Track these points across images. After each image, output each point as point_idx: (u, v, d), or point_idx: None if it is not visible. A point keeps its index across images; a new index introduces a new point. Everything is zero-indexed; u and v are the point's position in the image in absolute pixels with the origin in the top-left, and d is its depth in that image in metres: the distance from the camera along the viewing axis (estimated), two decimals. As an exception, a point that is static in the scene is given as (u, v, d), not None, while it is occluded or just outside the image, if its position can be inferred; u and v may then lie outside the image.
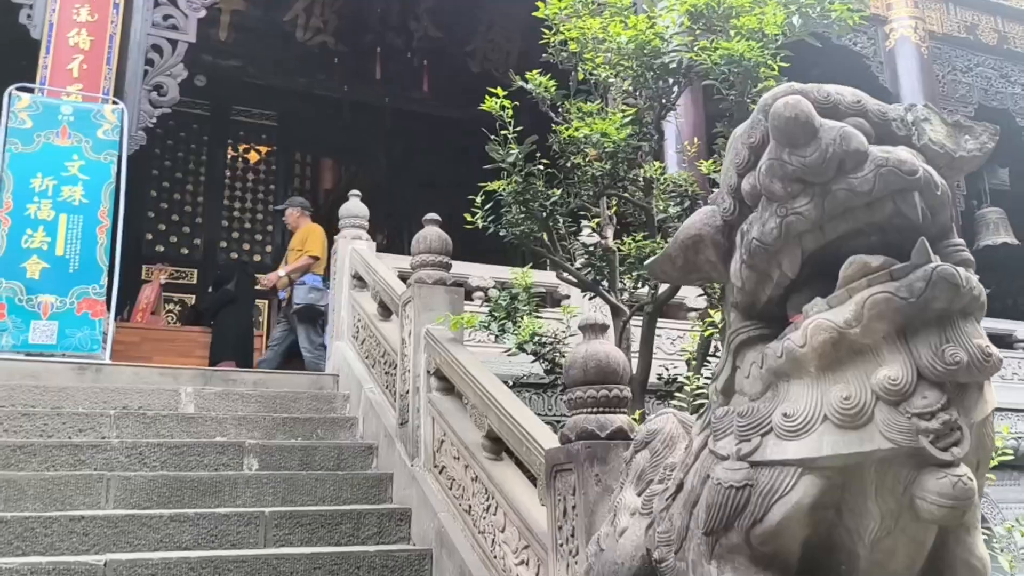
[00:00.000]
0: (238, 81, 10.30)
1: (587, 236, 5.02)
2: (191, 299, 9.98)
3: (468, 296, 6.00)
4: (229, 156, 10.71)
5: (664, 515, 1.82)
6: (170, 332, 8.70)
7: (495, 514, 3.53)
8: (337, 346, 6.37)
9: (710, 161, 4.58)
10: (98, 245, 6.06)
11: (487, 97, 4.39)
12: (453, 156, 11.93)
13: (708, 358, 4.40)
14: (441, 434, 4.22)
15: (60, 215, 6.00)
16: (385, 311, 5.70)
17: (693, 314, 6.71)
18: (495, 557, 3.47)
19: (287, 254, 7.77)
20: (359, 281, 6.40)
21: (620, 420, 2.71)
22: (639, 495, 2.02)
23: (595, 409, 2.71)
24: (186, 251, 10.20)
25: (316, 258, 7.41)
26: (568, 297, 6.17)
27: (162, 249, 9.90)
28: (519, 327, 4.39)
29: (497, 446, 3.72)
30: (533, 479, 3.36)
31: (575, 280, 4.74)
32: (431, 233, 4.86)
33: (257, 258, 10.49)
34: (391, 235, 11.47)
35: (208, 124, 10.55)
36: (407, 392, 4.62)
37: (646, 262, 3.62)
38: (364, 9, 10.52)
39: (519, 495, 3.38)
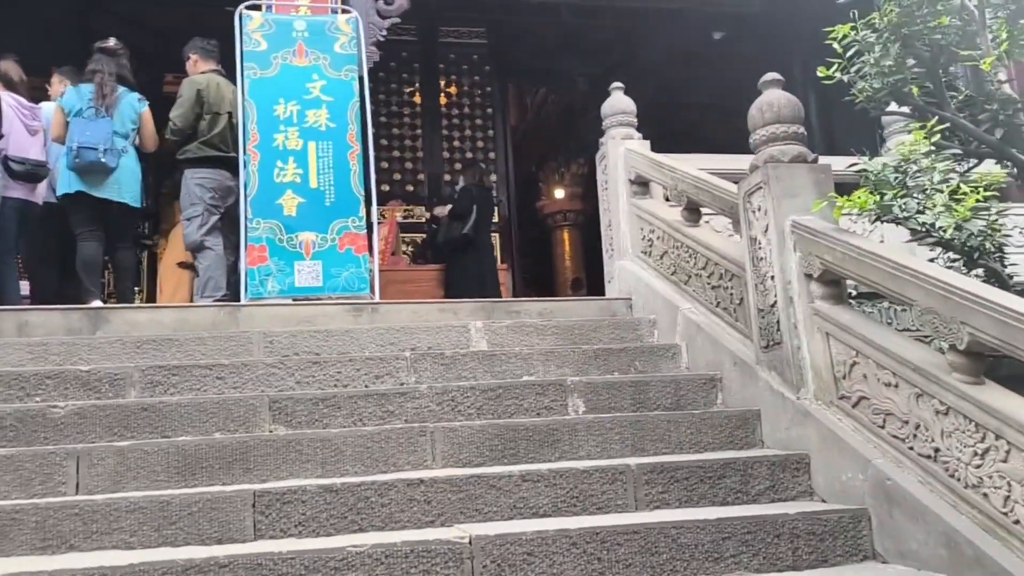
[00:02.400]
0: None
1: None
2: (419, 239, 9.42)
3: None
4: (442, 82, 9.97)
5: None
6: (410, 272, 8.15)
7: (1004, 460, 2.43)
8: (620, 266, 5.42)
9: None
10: (351, 173, 5.41)
11: None
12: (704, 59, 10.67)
13: None
14: (848, 355, 3.14)
15: (308, 143, 5.39)
16: (693, 215, 4.66)
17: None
18: (1015, 520, 2.39)
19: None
20: (640, 187, 5.39)
21: None
22: None
23: None
24: (411, 188, 9.62)
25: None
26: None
27: (387, 188, 9.35)
28: (934, 206, 3.20)
29: (976, 365, 2.61)
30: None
31: (981, 140, 3.50)
32: (777, 98, 3.73)
33: (483, 187, 9.77)
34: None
35: (417, 50, 9.84)
36: (771, 306, 3.57)
37: None
38: None
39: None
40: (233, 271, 5.67)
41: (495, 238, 9.25)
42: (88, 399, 3.69)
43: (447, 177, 9.69)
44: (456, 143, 9.86)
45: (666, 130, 7.69)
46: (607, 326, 4.76)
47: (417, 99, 9.87)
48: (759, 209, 3.67)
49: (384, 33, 6.28)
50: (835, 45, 3.69)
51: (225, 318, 4.69)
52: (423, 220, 9.38)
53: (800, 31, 10.17)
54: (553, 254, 17.29)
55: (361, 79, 5.67)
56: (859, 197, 3.26)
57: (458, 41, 10.07)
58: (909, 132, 3.74)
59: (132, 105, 5.58)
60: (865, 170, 3.46)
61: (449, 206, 8.60)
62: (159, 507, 2.80)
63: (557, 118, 16.72)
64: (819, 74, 3.73)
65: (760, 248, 3.67)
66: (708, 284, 4.33)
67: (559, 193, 17.98)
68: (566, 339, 4.62)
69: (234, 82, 5.60)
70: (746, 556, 2.78)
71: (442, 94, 9.93)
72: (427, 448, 3.37)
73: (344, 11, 5.82)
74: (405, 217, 9.20)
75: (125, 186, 5.48)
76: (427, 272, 7.99)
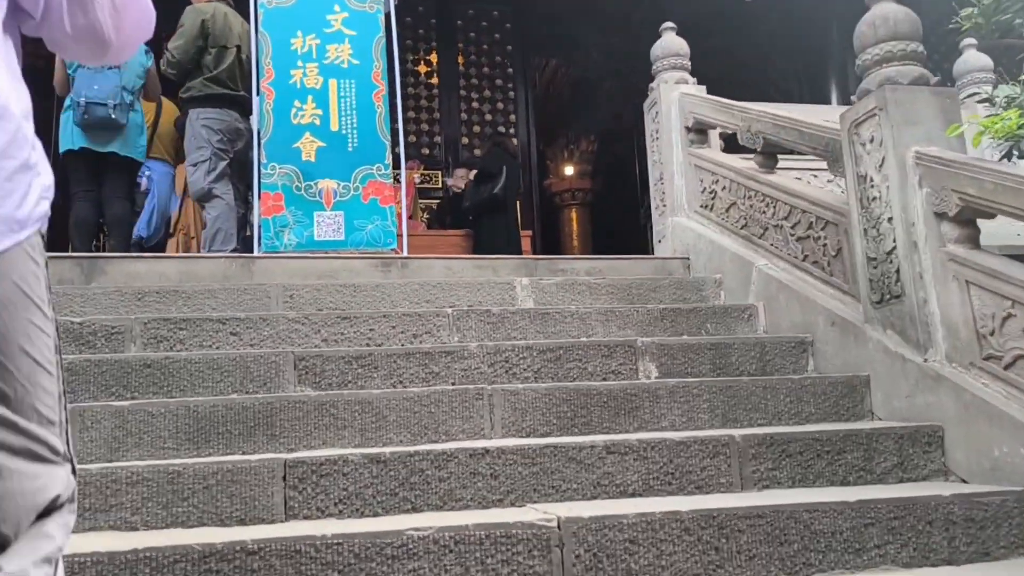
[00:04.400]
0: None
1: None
2: (435, 204, 8.85)
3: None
4: (459, 41, 9.36)
5: None
6: (430, 237, 7.58)
7: None
8: (675, 223, 4.87)
9: None
10: (376, 116, 4.85)
11: None
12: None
13: None
14: (999, 307, 2.60)
15: (329, 80, 4.82)
16: (769, 160, 4.12)
17: None
18: None
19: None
20: (698, 135, 4.84)
21: None
22: None
23: None
24: (427, 151, 9.03)
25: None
26: None
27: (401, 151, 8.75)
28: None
29: None
30: None
31: None
32: (893, 11, 3.17)
33: (504, 152, 9.18)
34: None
35: (433, 5, 9.23)
36: (888, 253, 3.03)
37: None
38: None
39: None
40: (243, 225, 5.12)
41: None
42: (80, 354, 3.14)
43: (464, 140, 9.11)
44: (475, 104, 9.27)
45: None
46: (667, 285, 4.22)
47: (434, 58, 9.28)
48: (871, 141, 3.12)
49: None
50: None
51: (238, 270, 4.14)
52: (440, 186, 8.80)
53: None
54: (561, 233, 16.74)
55: (387, 14, 5.10)
56: (1007, 119, 2.72)
57: (478, -4, 9.47)
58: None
59: (139, 58, 5.04)
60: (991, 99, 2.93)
61: (462, 172, 8.04)
62: (168, 479, 2.26)
63: (570, 92, 16.12)
64: None
65: (872, 186, 3.12)
66: (792, 236, 3.78)
67: (568, 170, 17.42)
68: (623, 299, 4.09)
69: (244, 13, 5.03)
70: (893, 547, 2.25)
71: (460, 54, 9.33)
72: (484, 414, 2.83)
73: (368, -63, 5.23)
74: (423, 181, 8.61)
75: (131, 141, 5.04)
76: (450, 236, 7.43)
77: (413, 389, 2.91)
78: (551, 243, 14.02)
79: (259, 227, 4.60)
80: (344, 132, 4.78)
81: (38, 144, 1.05)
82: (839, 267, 3.45)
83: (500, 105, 9.34)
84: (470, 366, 3.18)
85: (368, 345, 3.43)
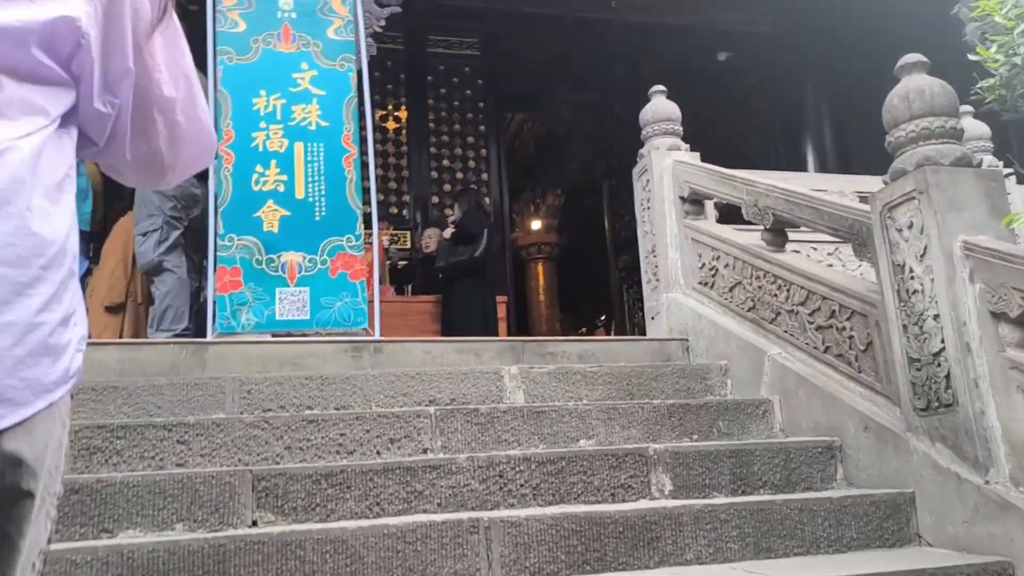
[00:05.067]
0: (434, 4, 8.59)
1: None
2: (400, 264, 8.42)
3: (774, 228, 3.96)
4: (430, 96, 9.04)
5: None
6: (400, 303, 7.14)
7: None
8: (670, 299, 4.51)
9: None
10: (347, 182, 4.44)
11: None
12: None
13: None
14: (1080, 426, 2.26)
15: (295, 144, 4.41)
16: (778, 238, 3.80)
17: None
18: None
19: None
20: (693, 206, 4.52)
21: None
22: None
23: None
24: (395, 211, 8.63)
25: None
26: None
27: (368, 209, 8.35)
28: None
29: None
30: None
31: None
32: (929, 85, 2.88)
33: (474, 213, 8.83)
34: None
35: (403, 60, 8.93)
36: (935, 354, 2.68)
37: None
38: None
39: None
40: (196, 299, 4.64)
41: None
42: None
43: (435, 199, 8.74)
44: (445, 163, 8.93)
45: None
46: (669, 374, 3.84)
47: (403, 114, 8.94)
48: (909, 227, 2.80)
49: (382, 23, 5.40)
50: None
51: (189, 359, 3.66)
52: (407, 246, 8.39)
53: (812, 52, 9.57)
54: (527, 288, 16.42)
55: (359, 72, 4.73)
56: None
57: (448, 52, 9.19)
58: None
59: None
60: None
61: (432, 231, 7.63)
62: (87, 666, 1.78)
63: (536, 146, 15.95)
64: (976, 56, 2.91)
65: (913, 278, 2.78)
66: (810, 323, 3.43)
67: (535, 224, 17.18)
68: (623, 390, 3.69)
69: (203, 69, 4.61)
70: None
71: (430, 110, 9.01)
72: (480, 551, 2.38)
73: (340, -9, 4.89)
74: (391, 242, 8.19)
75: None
76: (420, 304, 6.99)
77: (394, 521, 2.45)
78: (518, 299, 13.64)
79: (214, 305, 4.13)
80: (311, 200, 4.36)
81: (76, 284, 0.92)
82: (869, 363, 3.10)
83: (472, 163, 9.01)
84: (459, 483, 2.74)
85: (339, 454, 2.97)
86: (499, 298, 7.33)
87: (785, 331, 3.60)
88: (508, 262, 8.87)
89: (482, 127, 9.14)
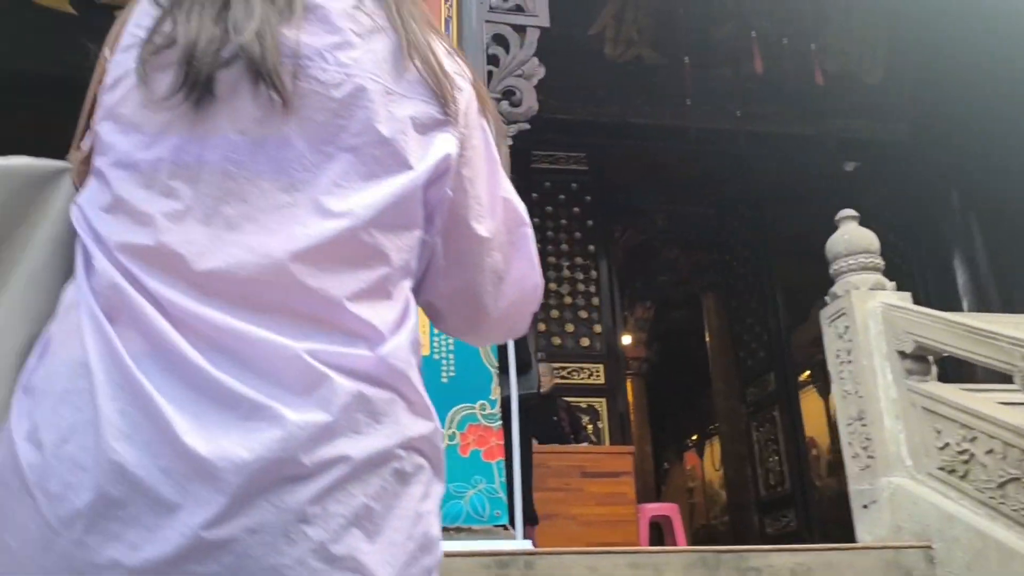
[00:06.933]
0: (538, 118, 7.97)
1: None
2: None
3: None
4: (535, 216, 8.36)
5: None
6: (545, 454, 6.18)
7: None
8: (892, 486, 3.46)
9: None
10: (480, 334, 3.58)
11: None
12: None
13: None
14: None
15: (419, 288, 3.60)
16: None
17: None
18: None
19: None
20: (917, 363, 3.53)
21: None
22: None
23: None
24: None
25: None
26: None
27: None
28: None
29: None
30: None
31: None
32: None
33: (585, 342, 7.91)
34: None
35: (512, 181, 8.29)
36: None
37: None
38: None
39: None
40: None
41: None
42: None
43: (541, 327, 7.90)
44: (552, 285, 8.13)
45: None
46: (932, 608, 2.77)
47: (504, 234, 8.22)
48: None
49: (510, 141, 4.68)
50: None
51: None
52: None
53: (956, 157, 8.63)
54: (617, 405, 15.36)
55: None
56: None
57: (553, 167, 8.53)
58: None
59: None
60: None
61: (550, 367, 6.75)
62: None
63: (624, 255, 15.22)
64: None
65: None
66: None
67: (625, 339, 16.26)
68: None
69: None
70: None
71: (536, 229, 8.28)
72: None
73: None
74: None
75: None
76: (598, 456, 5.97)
77: None
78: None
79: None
80: (436, 357, 3.52)
81: None
82: None
83: (581, 286, 8.19)
84: None
85: None
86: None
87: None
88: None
89: (591, 247, 8.36)
